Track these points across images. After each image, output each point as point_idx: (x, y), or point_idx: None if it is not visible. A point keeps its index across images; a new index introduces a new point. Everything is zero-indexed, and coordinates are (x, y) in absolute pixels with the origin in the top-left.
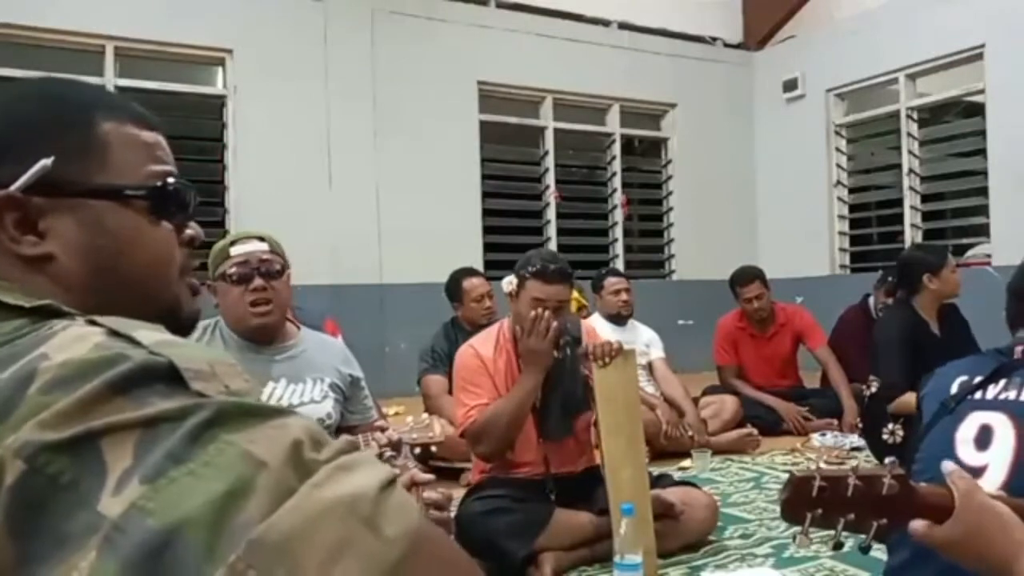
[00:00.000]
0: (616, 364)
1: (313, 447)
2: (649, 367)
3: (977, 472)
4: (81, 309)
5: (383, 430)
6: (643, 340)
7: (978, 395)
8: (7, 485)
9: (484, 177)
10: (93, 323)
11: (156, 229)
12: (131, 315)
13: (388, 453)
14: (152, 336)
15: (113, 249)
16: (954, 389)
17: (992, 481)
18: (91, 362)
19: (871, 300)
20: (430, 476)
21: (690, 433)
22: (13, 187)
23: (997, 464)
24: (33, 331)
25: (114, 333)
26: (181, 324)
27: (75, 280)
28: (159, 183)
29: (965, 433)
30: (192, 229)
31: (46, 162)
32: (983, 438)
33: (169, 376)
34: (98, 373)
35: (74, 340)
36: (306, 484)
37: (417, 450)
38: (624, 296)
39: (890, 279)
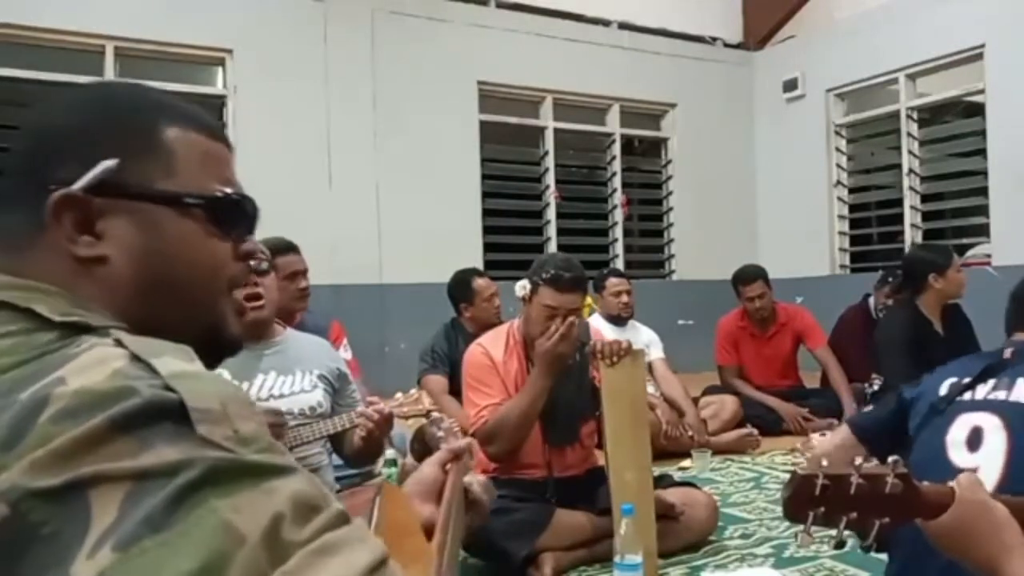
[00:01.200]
0: (624, 364)
1: (296, 520)
2: (649, 367)
3: None
4: (127, 315)
5: (373, 404)
6: (643, 340)
7: (967, 396)
8: None
9: (484, 177)
10: (119, 343)
11: (212, 240)
12: (175, 326)
13: (433, 416)
14: (173, 365)
15: (166, 255)
16: (943, 391)
17: (985, 482)
18: (102, 394)
19: (871, 300)
20: (466, 442)
21: (690, 433)
22: (75, 186)
23: (989, 465)
24: (59, 348)
25: (136, 358)
26: (223, 345)
27: (124, 285)
28: (219, 194)
29: (956, 435)
30: (250, 244)
31: (110, 163)
32: (974, 439)
33: (176, 416)
34: (104, 408)
35: (94, 363)
36: (277, 572)
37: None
38: (625, 298)
39: (890, 279)
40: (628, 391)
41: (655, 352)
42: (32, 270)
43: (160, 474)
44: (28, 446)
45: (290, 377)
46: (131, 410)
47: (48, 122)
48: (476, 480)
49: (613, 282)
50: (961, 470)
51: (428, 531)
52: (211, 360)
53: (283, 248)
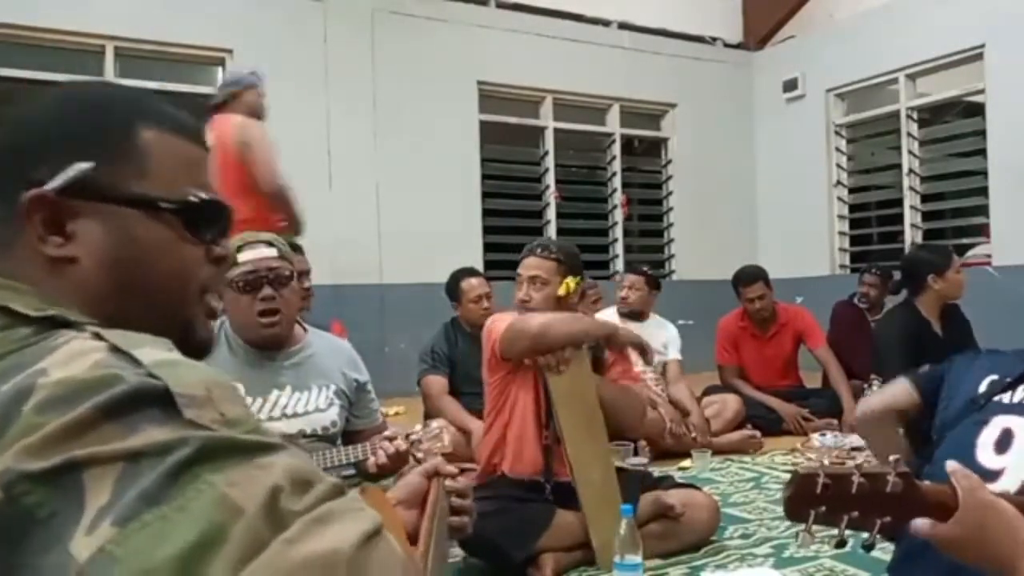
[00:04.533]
0: (570, 370)
1: (293, 492)
2: (663, 367)
3: (994, 475)
4: (97, 316)
5: (391, 439)
6: (660, 340)
7: (1005, 397)
8: None
9: (484, 177)
10: (97, 337)
11: (185, 245)
12: (144, 328)
13: (414, 436)
14: (154, 354)
15: (136, 259)
16: (983, 387)
17: (1009, 485)
18: (86, 382)
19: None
20: (455, 468)
21: (693, 434)
22: (48, 187)
23: (1015, 468)
24: (38, 342)
25: (116, 350)
26: (191, 348)
27: (95, 286)
28: (193, 198)
29: (987, 436)
30: (222, 248)
31: (83, 165)
32: (1003, 442)
33: (163, 401)
34: (91, 395)
35: (75, 355)
36: (278, 539)
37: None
38: (623, 292)
39: (874, 271)
40: (577, 393)
41: (672, 352)
42: (7, 269)
43: (153, 453)
44: (13, 436)
45: (306, 394)
46: (117, 396)
47: (25, 121)
48: (457, 482)
49: (621, 277)
50: (987, 471)
51: (412, 537)
52: None
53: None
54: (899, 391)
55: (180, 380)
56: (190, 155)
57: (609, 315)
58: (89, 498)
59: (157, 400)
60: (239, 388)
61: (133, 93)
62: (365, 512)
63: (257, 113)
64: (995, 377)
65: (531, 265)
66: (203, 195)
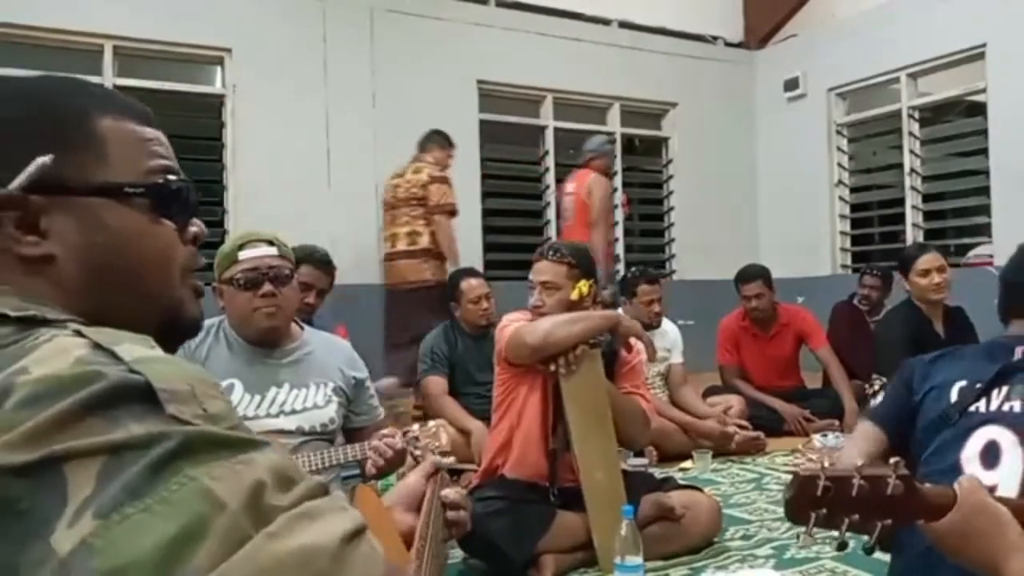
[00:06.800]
0: (581, 369)
1: (277, 488)
2: (667, 370)
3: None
4: (80, 312)
5: (389, 437)
6: (666, 343)
7: (982, 405)
8: None
9: (484, 177)
10: (79, 334)
11: (157, 227)
12: (131, 317)
13: (411, 433)
14: (135, 351)
15: (113, 248)
16: (954, 396)
17: None
18: (67, 379)
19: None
20: (451, 459)
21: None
22: (12, 185)
23: (1007, 484)
24: (17, 341)
25: (97, 346)
26: (183, 328)
27: (74, 281)
28: (159, 180)
29: (971, 451)
30: (196, 226)
31: (44, 159)
32: (990, 456)
33: (145, 396)
34: (72, 391)
35: (56, 353)
36: (261, 533)
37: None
38: (656, 307)
39: (873, 272)
40: (589, 392)
41: (675, 356)
42: None
43: (135, 447)
44: None
45: (304, 391)
46: (99, 392)
47: None
48: (452, 491)
49: (645, 289)
50: None
51: (408, 537)
52: (170, 344)
53: (302, 258)
54: (868, 438)
55: (162, 376)
56: (148, 137)
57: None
58: (71, 491)
59: (139, 395)
60: (221, 385)
61: (81, 84)
62: (348, 512)
63: (606, 172)
64: (964, 383)
65: (543, 270)
66: (168, 176)
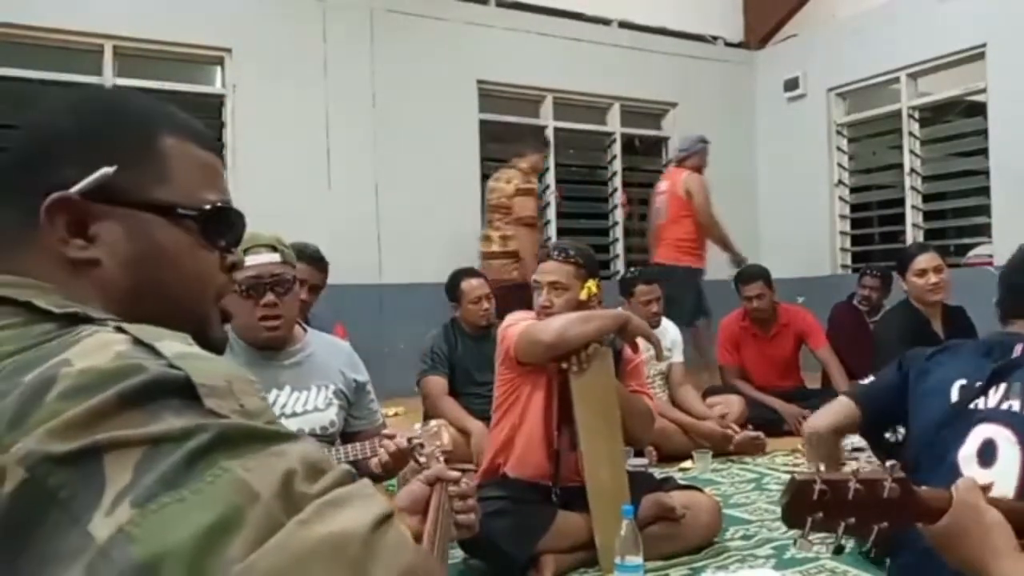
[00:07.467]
0: (592, 367)
1: (307, 477)
2: (668, 369)
3: (984, 491)
4: (118, 315)
5: (391, 437)
6: (666, 342)
7: (980, 403)
8: (6, 492)
9: (484, 177)
10: (120, 330)
11: (202, 251)
12: (163, 327)
13: (416, 440)
14: (175, 347)
15: (157, 262)
16: (955, 395)
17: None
18: (109, 372)
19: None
20: (457, 474)
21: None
22: (73, 190)
23: (1003, 482)
24: (60, 336)
25: (138, 342)
26: (207, 347)
27: (116, 288)
28: (212, 207)
29: (968, 449)
30: (235, 256)
31: (108, 170)
32: (986, 454)
33: (184, 391)
34: (113, 383)
35: (97, 347)
36: (292, 520)
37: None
38: (654, 307)
39: (873, 272)
40: (598, 391)
41: (676, 355)
42: (26, 268)
43: (172, 439)
44: (36, 421)
45: (305, 393)
46: (139, 385)
47: (48, 123)
48: (460, 487)
49: (643, 289)
50: None
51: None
52: None
53: (298, 256)
54: (843, 409)
55: (201, 372)
56: (207, 162)
57: None
58: (109, 481)
59: (178, 390)
60: (258, 383)
61: (151, 101)
62: (376, 498)
63: (700, 169)
64: (964, 381)
65: (550, 270)
66: (220, 203)
